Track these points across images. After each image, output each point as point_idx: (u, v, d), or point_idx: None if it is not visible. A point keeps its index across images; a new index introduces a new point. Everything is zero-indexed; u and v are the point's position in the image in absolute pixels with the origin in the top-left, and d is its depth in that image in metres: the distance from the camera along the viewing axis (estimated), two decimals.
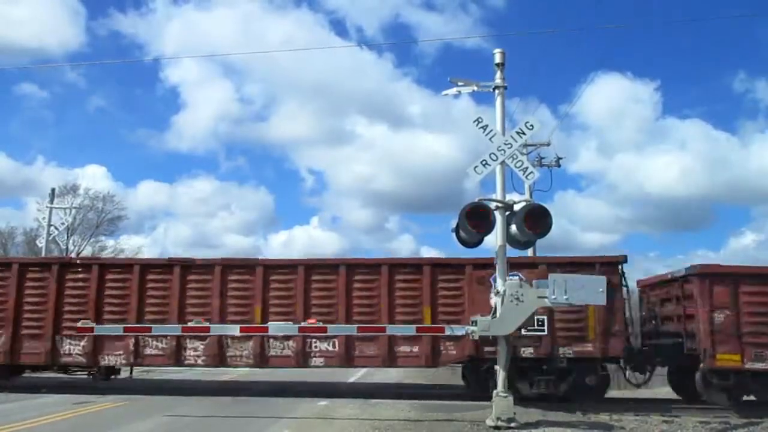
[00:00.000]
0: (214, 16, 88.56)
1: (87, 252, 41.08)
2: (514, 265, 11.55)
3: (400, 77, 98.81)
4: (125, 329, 12.29)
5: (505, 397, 9.26)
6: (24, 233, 42.57)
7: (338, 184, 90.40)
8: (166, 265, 13.49)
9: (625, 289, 12.79)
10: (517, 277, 11.11)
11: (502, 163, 9.68)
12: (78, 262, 14.98)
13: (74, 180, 45.35)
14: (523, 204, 9.70)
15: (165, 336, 12.91)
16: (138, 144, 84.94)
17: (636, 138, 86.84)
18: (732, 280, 12.04)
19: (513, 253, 10.39)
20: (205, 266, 13.41)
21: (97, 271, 13.36)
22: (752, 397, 12.18)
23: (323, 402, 12.02)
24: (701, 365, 11.95)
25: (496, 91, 10.11)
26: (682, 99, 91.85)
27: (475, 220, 9.48)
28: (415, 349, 12.71)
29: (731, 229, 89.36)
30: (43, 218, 33.25)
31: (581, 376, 12.44)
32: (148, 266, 13.62)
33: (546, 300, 9.08)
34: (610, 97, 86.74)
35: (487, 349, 11.93)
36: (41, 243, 33.66)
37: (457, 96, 10.50)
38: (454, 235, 10.19)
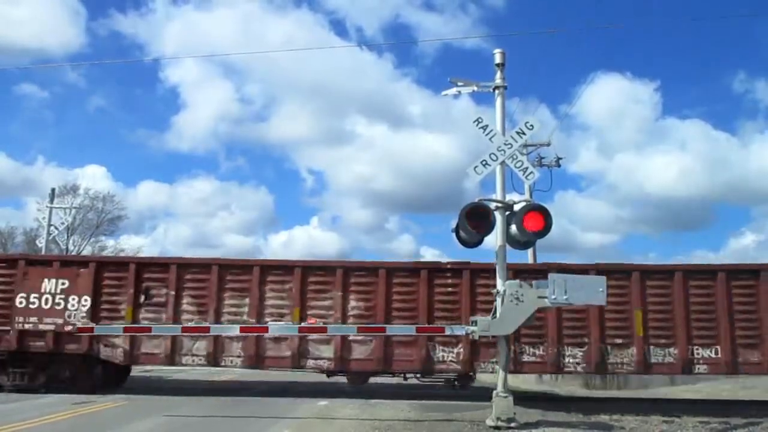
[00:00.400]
0: (214, 17, 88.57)
1: (87, 251, 41.11)
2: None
3: (399, 77, 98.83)
4: (125, 329, 12.31)
5: (505, 397, 9.25)
6: (24, 233, 42.63)
7: (338, 184, 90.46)
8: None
9: None
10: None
11: (502, 163, 9.67)
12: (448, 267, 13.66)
13: (74, 180, 45.44)
14: (523, 204, 9.70)
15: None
16: (138, 144, 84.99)
17: (636, 138, 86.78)
18: None
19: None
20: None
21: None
22: (751, 398, 12.20)
23: (323, 402, 12.02)
24: None
25: (496, 92, 10.11)
26: (682, 99, 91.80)
27: (475, 220, 9.48)
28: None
29: (731, 229, 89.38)
30: (43, 218, 33.31)
31: None
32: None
33: (546, 300, 9.09)
34: (610, 97, 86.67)
35: None
36: (41, 243, 33.70)
37: (457, 96, 10.51)
38: (454, 235, 10.20)
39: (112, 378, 14.09)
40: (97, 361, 13.32)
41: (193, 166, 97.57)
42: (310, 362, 13.02)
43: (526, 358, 12.84)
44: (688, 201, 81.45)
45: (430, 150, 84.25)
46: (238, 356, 13.06)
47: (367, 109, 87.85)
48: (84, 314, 13.06)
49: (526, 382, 20.94)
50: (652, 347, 12.73)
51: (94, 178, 68.27)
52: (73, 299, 13.22)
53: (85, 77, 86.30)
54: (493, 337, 9.54)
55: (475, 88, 10.25)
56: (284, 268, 13.47)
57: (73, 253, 36.37)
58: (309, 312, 13.05)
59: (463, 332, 9.94)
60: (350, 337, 12.83)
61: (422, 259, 16.28)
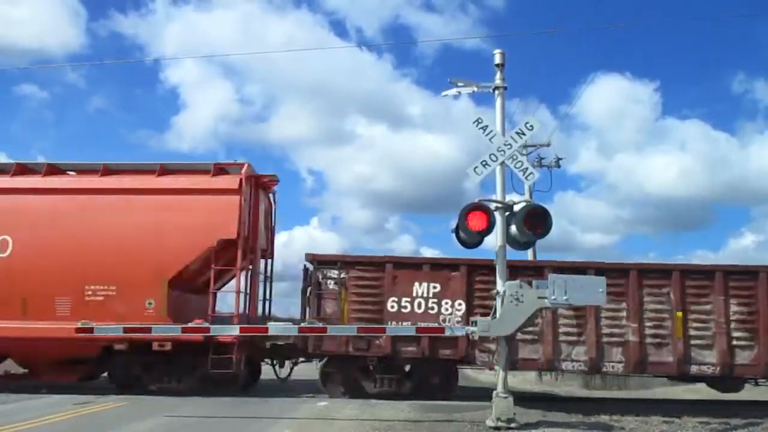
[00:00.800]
0: (213, 17, 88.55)
1: None
2: None
3: (399, 78, 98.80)
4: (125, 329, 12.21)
5: (505, 397, 9.26)
6: None
7: (338, 184, 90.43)
8: None
9: None
10: None
11: (502, 163, 9.67)
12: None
13: None
14: (523, 204, 9.71)
15: None
16: (138, 144, 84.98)
17: (636, 138, 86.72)
18: None
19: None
20: None
21: None
22: (751, 398, 12.21)
23: (323, 402, 12.03)
24: None
25: (496, 92, 10.11)
26: (681, 99, 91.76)
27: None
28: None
29: (731, 229, 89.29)
30: None
31: None
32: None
33: (546, 300, 9.09)
34: (610, 97, 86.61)
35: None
36: None
37: (456, 97, 10.51)
38: (453, 235, 10.21)
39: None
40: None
41: None
42: (693, 368, 12.70)
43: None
44: (687, 201, 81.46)
45: (430, 150, 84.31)
46: (620, 362, 12.72)
47: (367, 110, 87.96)
48: (459, 319, 12.79)
49: (526, 381, 20.97)
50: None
51: None
52: (446, 303, 12.97)
53: (85, 78, 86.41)
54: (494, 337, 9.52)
55: (475, 89, 10.25)
56: (661, 272, 13.13)
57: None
58: (690, 317, 12.77)
59: (463, 332, 9.95)
60: (733, 342, 12.63)
61: None
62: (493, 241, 9.77)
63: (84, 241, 13.32)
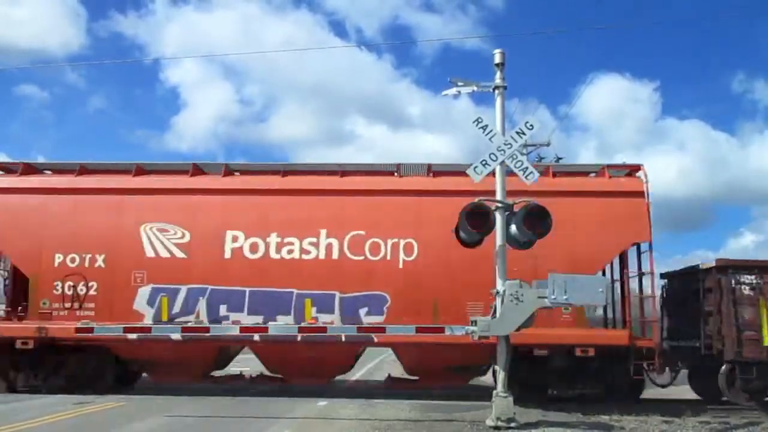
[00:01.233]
0: (213, 18, 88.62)
1: None
2: None
3: (399, 78, 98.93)
4: (125, 329, 12.19)
5: (505, 397, 9.25)
6: None
7: None
8: None
9: None
10: None
11: (502, 163, 9.68)
12: None
13: None
14: (523, 204, 9.70)
15: None
16: (138, 145, 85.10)
17: (635, 138, 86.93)
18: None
19: None
20: None
21: None
22: None
23: (323, 402, 12.01)
24: None
25: (496, 92, 10.11)
26: (681, 99, 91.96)
27: (475, 220, 9.49)
28: None
29: (730, 229, 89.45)
30: None
31: None
32: None
33: (546, 300, 9.09)
34: (610, 97, 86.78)
35: None
36: None
37: (456, 96, 10.49)
38: (453, 235, 10.21)
39: None
40: None
41: None
42: None
43: None
44: (687, 201, 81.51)
45: (430, 150, 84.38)
46: None
47: (367, 110, 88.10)
48: None
49: None
50: None
51: None
52: None
53: (85, 78, 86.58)
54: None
55: (475, 88, 10.25)
56: None
57: None
58: None
59: (462, 332, 9.92)
60: None
61: None
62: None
63: None
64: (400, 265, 12.94)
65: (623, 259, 13.63)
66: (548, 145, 26.87)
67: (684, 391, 14.45)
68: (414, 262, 12.90)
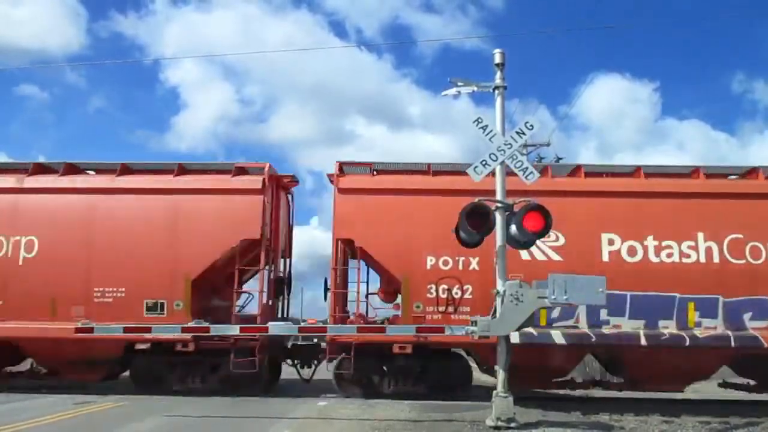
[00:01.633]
0: (213, 18, 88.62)
1: None
2: None
3: (399, 78, 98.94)
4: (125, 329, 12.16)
5: (505, 397, 9.25)
6: None
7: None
8: None
9: None
10: None
11: (502, 163, 9.68)
12: None
13: None
14: (523, 204, 9.70)
15: None
16: (138, 145, 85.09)
17: (635, 138, 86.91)
18: None
19: None
20: None
21: None
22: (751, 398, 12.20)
23: (323, 402, 12.02)
24: None
25: (496, 92, 10.11)
26: (681, 99, 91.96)
27: (475, 220, 9.49)
28: None
29: None
30: None
31: None
32: None
33: (546, 300, 9.09)
34: (610, 97, 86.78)
35: None
36: None
37: (456, 96, 10.48)
38: (453, 235, 10.19)
39: None
40: None
41: None
42: None
43: None
44: None
45: (430, 150, 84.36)
46: None
47: (367, 110, 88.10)
48: None
49: None
50: None
51: None
52: None
53: (86, 78, 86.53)
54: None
55: (475, 88, 10.24)
56: None
57: None
58: None
59: (462, 332, 9.92)
60: None
61: None
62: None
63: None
64: None
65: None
66: (548, 145, 27.00)
67: (684, 390, 14.42)
68: None
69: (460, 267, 12.90)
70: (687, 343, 12.28)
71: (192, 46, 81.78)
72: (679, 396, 14.01)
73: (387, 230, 13.13)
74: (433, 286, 12.85)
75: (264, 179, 13.67)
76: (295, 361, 14.29)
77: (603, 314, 12.58)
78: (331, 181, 13.82)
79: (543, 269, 11.92)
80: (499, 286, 9.44)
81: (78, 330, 10.99)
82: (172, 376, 13.37)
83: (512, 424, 9.17)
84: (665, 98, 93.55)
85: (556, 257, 12.85)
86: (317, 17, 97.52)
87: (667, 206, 13.21)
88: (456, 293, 12.86)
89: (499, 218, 9.56)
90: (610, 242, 12.93)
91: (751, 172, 13.78)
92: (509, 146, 9.60)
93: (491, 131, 9.71)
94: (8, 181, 13.98)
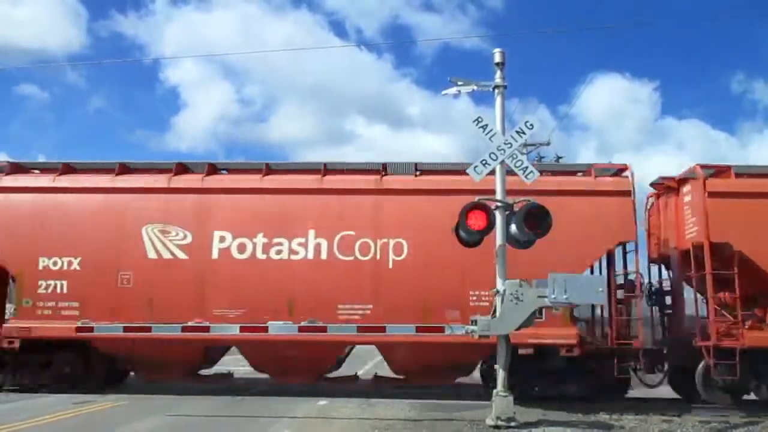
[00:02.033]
0: (213, 18, 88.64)
1: None
2: None
3: (399, 78, 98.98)
4: (125, 329, 12.13)
5: (505, 396, 9.26)
6: None
7: None
8: None
9: None
10: None
11: (502, 162, 9.68)
12: None
13: None
14: (523, 204, 9.70)
15: None
16: (138, 145, 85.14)
17: (635, 138, 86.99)
18: None
19: None
20: None
21: None
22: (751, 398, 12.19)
23: (323, 402, 12.01)
24: None
25: (496, 91, 10.11)
26: (680, 99, 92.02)
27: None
28: None
29: None
30: None
31: None
32: None
33: (546, 300, 9.09)
34: (610, 97, 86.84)
35: None
36: None
37: (456, 95, 10.49)
38: (453, 234, 10.20)
39: None
40: None
41: None
42: None
43: None
44: None
45: (430, 150, 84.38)
46: None
47: (367, 110, 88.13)
48: None
49: None
50: None
51: None
52: None
53: (86, 78, 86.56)
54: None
55: (475, 88, 10.25)
56: None
57: None
58: None
59: (462, 332, 9.91)
60: None
61: None
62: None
63: None
64: None
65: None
66: (548, 144, 26.96)
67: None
68: None
69: None
70: None
71: (192, 45, 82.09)
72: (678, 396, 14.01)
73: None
74: None
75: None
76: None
77: None
78: None
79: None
80: (499, 285, 9.44)
81: (78, 330, 11.02)
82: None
83: (512, 424, 9.18)
84: (665, 98, 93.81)
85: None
86: (317, 17, 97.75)
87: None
88: None
89: (499, 217, 9.57)
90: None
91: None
92: (509, 145, 9.61)
93: (491, 131, 9.72)
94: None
